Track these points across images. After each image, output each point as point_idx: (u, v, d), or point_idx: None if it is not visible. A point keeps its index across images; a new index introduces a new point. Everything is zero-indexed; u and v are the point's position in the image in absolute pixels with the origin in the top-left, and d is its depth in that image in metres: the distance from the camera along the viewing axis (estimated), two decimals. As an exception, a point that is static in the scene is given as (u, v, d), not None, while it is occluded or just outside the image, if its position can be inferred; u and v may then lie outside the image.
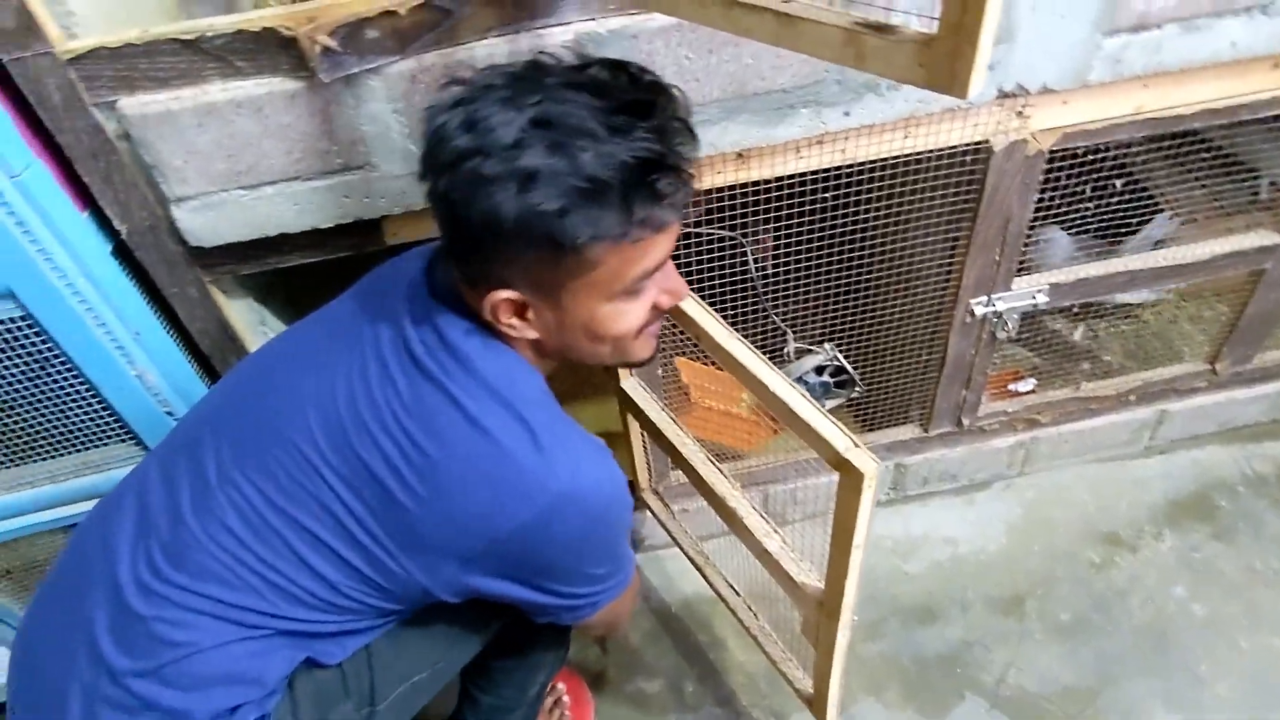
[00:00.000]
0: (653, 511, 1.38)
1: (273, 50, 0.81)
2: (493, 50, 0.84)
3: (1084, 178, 1.14)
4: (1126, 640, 1.31)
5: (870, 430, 1.45)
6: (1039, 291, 1.21)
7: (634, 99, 0.62)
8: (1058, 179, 1.11)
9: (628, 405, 1.19)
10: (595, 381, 1.79)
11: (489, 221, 0.60)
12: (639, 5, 0.75)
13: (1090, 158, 1.10)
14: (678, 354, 1.37)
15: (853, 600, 0.86)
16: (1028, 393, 1.45)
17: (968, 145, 1.03)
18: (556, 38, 0.85)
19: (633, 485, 1.40)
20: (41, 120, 0.84)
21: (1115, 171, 1.17)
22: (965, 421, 1.41)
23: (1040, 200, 1.12)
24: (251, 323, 1.09)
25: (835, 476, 0.75)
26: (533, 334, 0.70)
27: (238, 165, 0.88)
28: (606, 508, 0.72)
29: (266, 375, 0.78)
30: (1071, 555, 1.43)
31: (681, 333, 0.95)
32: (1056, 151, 1.06)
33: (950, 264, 1.19)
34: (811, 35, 0.60)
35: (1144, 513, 1.47)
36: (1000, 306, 1.21)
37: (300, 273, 1.06)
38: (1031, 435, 1.47)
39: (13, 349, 0.94)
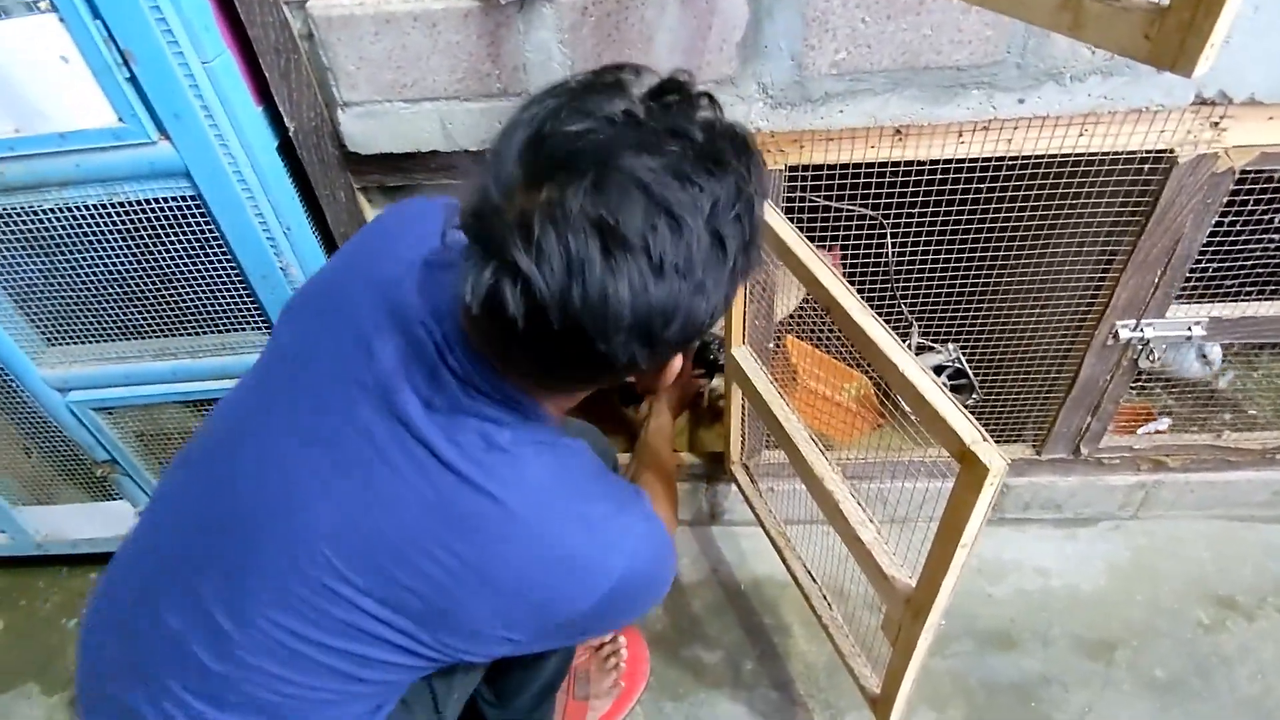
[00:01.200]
0: (739, 485, 1.36)
1: (456, -34, 0.83)
2: (667, -8, 0.84)
3: (1273, 206, 1.04)
4: (1227, 712, 1.21)
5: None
6: (1197, 323, 1.12)
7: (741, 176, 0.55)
8: (1244, 203, 1.02)
9: (735, 372, 1.17)
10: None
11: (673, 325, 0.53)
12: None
13: (1286, 185, 1.00)
14: (790, 333, 1.35)
15: (945, 601, 0.83)
16: (1160, 432, 1.35)
17: (1149, 152, 0.96)
18: (734, -15, 0.83)
19: (722, 458, 1.39)
20: (236, 12, 0.89)
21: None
22: (1084, 451, 1.33)
23: (1219, 224, 1.03)
24: (389, 235, 1.13)
25: (936, 483, 0.72)
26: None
27: (404, 78, 0.91)
28: (657, 577, 0.73)
29: (242, 474, 0.67)
30: (1177, 612, 1.33)
31: (812, 306, 0.92)
32: (1249, 172, 0.97)
33: (1102, 279, 1.11)
34: (1021, -4, 0.56)
35: (1270, 582, 1.35)
36: (1149, 333, 1.13)
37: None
38: (1155, 478, 1.37)
39: (180, 226, 1.01)
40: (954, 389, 1.24)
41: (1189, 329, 1.13)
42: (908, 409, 0.76)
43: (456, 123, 0.95)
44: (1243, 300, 1.13)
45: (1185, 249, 1.04)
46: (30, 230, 1.02)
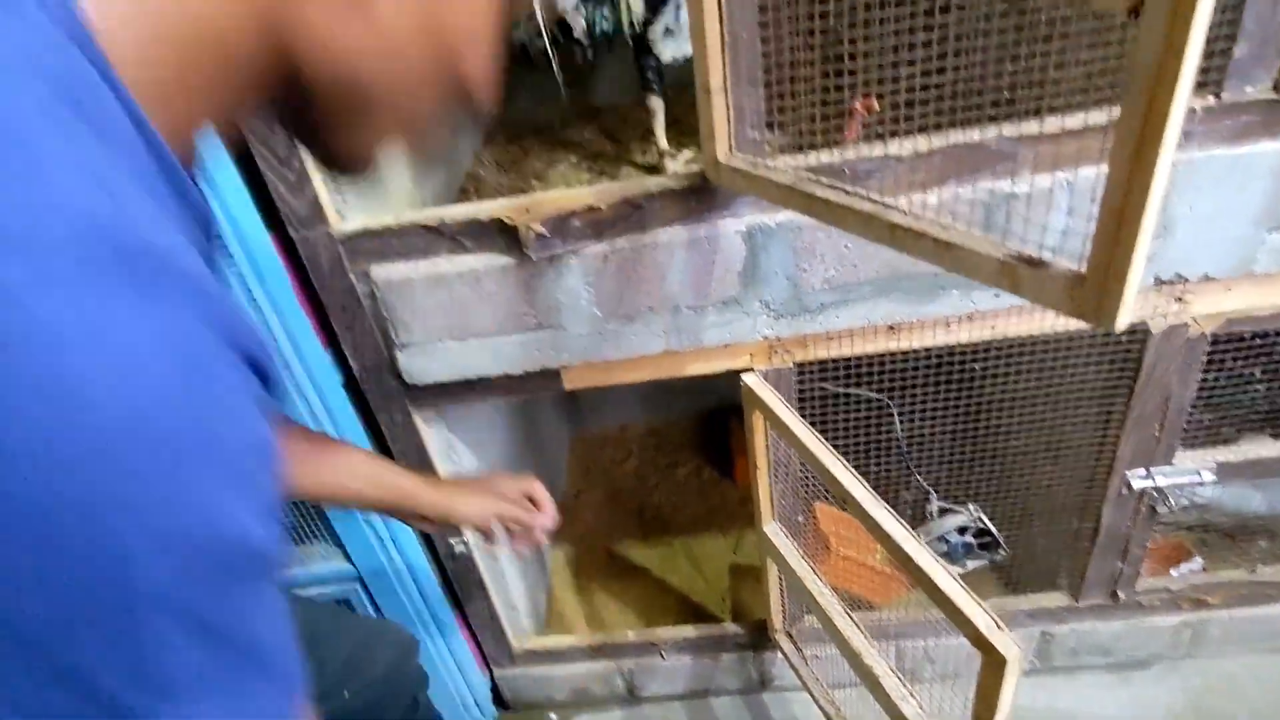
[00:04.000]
0: (784, 653, 1.39)
1: (494, 234, 0.98)
2: (674, 236, 0.98)
3: (1253, 359, 1.12)
4: None
5: (1015, 593, 1.41)
6: (1205, 469, 1.17)
7: None
8: (1223, 359, 1.10)
9: (767, 548, 1.24)
10: (728, 510, 1.85)
11: None
12: (808, 213, 0.85)
13: (1259, 341, 1.08)
14: (818, 500, 1.41)
15: (994, 785, 0.85)
16: (1195, 572, 1.36)
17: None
18: (730, 227, 0.97)
19: (765, 625, 1.42)
20: (309, 281, 1.05)
21: (1288, 355, 1.14)
22: (1121, 595, 1.34)
23: (1204, 379, 1.11)
24: (441, 447, 1.25)
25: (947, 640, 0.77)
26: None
27: (452, 321, 1.05)
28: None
29: None
30: (1249, 758, 1.30)
31: (826, 489, 1.00)
32: (1221, 335, 1.06)
33: (1104, 435, 1.18)
34: (968, 261, 0.68)
35: (1338, 720, 1.32)
36: (1161, 482, 1.18)
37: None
38: (1199, 616, 1.37)
39: (258, 458, 1.13)
40: (981, 547, 1.28)
41: (1199, 474, 1.18)
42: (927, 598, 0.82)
43: (499, 353, 1.08)
44: (1245, 443, 1.19)
45: (1178, 404, 1.12)
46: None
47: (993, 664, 0.75)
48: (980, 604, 0.78)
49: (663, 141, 1.25)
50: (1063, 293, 0.61)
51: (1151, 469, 1.18)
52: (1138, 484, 1.19)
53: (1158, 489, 1.19)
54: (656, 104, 1.22)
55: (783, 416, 1.03)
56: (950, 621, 0.80)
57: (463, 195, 1.38)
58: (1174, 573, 1.36)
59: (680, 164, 1.25)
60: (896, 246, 0.73)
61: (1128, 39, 0.50)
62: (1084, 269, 0.60)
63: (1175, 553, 1.43)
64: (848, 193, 0.78)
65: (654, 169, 1.28)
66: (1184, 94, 0.47)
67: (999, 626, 0.75)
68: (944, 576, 0.81)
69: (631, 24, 1.17)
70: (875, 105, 0.84)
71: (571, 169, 1.42)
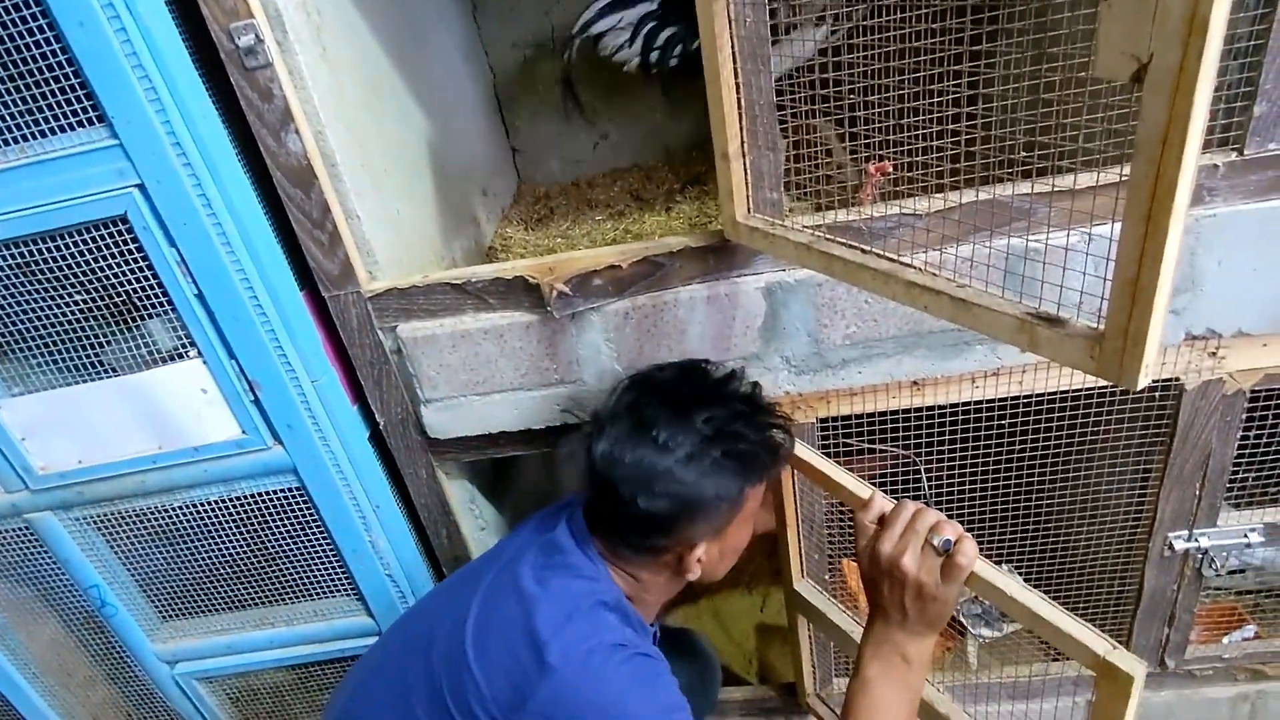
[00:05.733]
0: (817, 718, 1.34)
1: (519, 292, 1.00)
2: (694, 294, 0.99)
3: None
4: None
5: (1058, 659, 1.35)
6: (1252, 531, 1.12)
7: (761, 403, 0.91)
8: (1265, 417, 1.06)
9: (798, 605, 1.21)
10: (754, 566, 1.81)
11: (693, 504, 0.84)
12: (826, 271, 0.86)
13: (1301, 397, 1.05)
14: (845, 557, 1.38)
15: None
16: (1248, 640, 1.30)
17: (1156, 381, 1.03)
18: (750, 284, 0.98)
19: (795, 688, 1.38)
20: (339, 338, 1.07)
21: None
22: (1170, 663, 1.28)
23: (1246, 438, 1.07)
24: (463, 500, 1.25)
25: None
26: (697, 573, 0.88)
27: (476, 377, 1.07)
28: None
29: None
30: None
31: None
32: (1260, 391, 1.03)
33: (1143, 494, 1.14)
34: (986, 319, 0.67)
35: None
36: (1205, 543, 1.13)
37: (504, 463, 1.22)
38: (1258, 688, 1.29)
39: (285, 512, 1.15)
40: (1018, 609, 1.23)
41: (1245, 536, 1.13)
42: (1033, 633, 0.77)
43: (522, 408, 1.09)
44: (1297, 502, 1.14)
45: (1218, 462, 1.08)
46: (161, 525, 1.17)
47: (1117, 688, 0.70)
48: (1091, 628, 0.73)
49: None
50: (1082, 351, 0.61)
51: (1195, 530, 1.14)
52: (1180, 545, 1.14)
53: (1202, 550, 1.14)
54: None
55: (806, 457, 1.01)
56: (1062, 650, 0.74)
57: (491, 254, 1.42)
58: (1226, 640, 1.29)
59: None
60: (914, 304, 0.73)
61: (1134, 102, 0.50)
62: (1103, 327, 0.59)
63: (1228, 619, 1.36)
64: (864, 251, 0.79)
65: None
66: (1191, 158, 0.47)
67: (1115, 646, 0.70)
68: (1048, 608, 0.75)
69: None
70: (889, 168, 0.85)
71: (596, 226, 1.45)
